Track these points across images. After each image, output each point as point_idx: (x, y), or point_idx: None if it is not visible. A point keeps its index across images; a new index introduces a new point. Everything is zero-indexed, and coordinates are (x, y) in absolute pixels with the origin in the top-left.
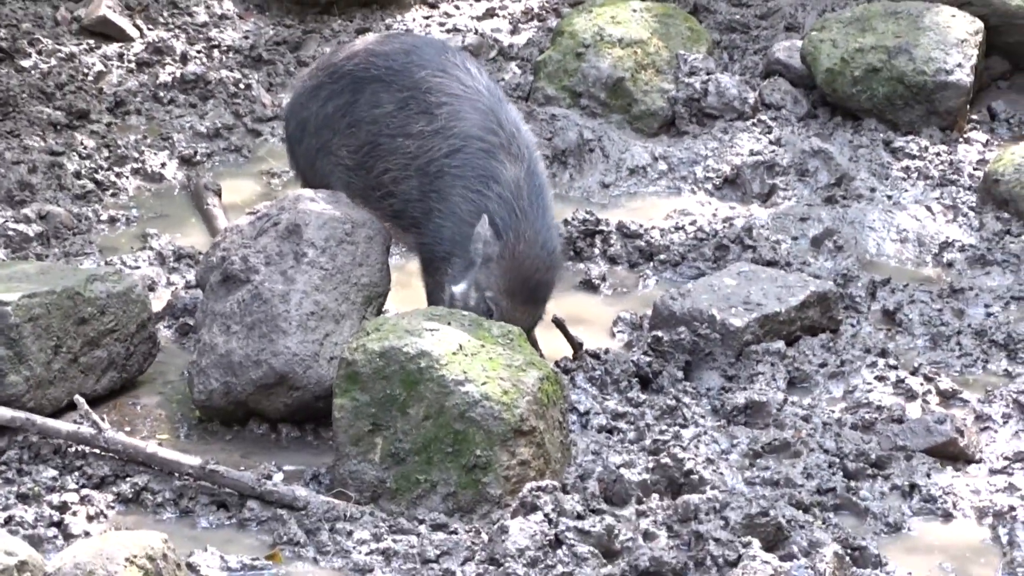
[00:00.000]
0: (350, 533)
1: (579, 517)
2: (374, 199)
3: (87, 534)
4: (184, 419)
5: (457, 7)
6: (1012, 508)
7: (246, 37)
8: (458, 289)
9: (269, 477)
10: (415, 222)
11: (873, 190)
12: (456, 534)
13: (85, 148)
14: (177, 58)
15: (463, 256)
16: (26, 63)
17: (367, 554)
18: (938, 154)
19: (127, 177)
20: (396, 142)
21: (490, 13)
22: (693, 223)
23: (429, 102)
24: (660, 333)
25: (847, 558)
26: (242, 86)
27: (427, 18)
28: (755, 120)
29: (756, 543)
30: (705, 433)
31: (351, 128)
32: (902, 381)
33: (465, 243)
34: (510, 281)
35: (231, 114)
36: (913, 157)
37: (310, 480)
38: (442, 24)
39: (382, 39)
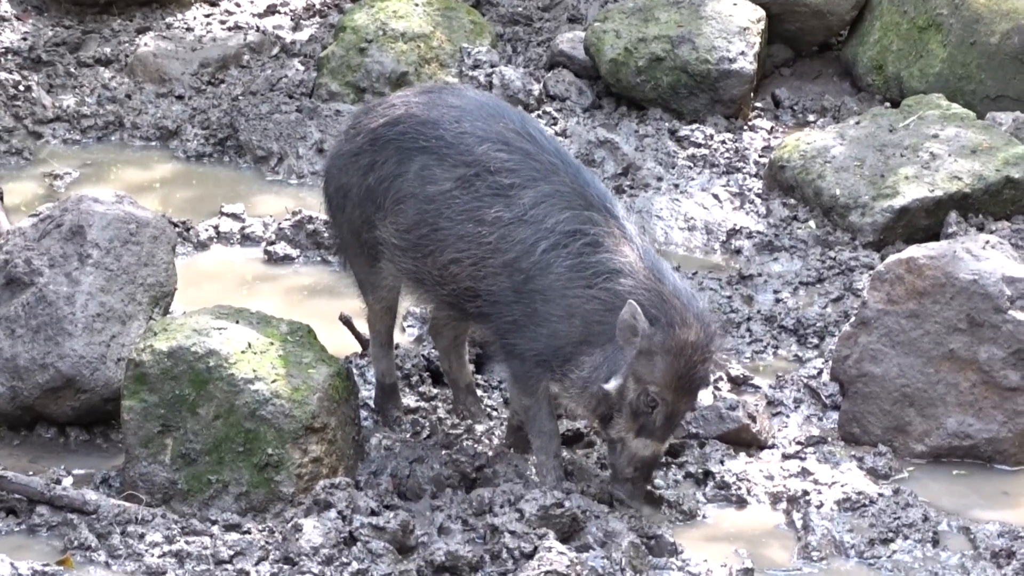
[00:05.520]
0: (142, 536)
1: (373, 513)
2: (434, 286)
3: None
4: None
5: (238, 4)
6: (805, 493)
7: (24, 39)
8: (612, 385)
9: (58, 481)
10: (515, 325)
11: (660, 179)
12: (249, 534)
13: None
14: None
15: (593, 353)
16: None
17: (159, 556)
18: (723, 142)
19: None
20: (465, 228)
21: (271, 10)
22: None
23: (501, 184)
24: None
25: (643, 547)
26: (22, 88)
27: (208, 16)
28: (540, 112)
29: (552, 535)
30: (499, 427)
31: (398, 205)
32: None
33: (595, 340)
34: (676, 374)
35: (11, 116)
36: (699, 145)
37: (100, 483)
38: (223, 22)
39: (425, 100)
